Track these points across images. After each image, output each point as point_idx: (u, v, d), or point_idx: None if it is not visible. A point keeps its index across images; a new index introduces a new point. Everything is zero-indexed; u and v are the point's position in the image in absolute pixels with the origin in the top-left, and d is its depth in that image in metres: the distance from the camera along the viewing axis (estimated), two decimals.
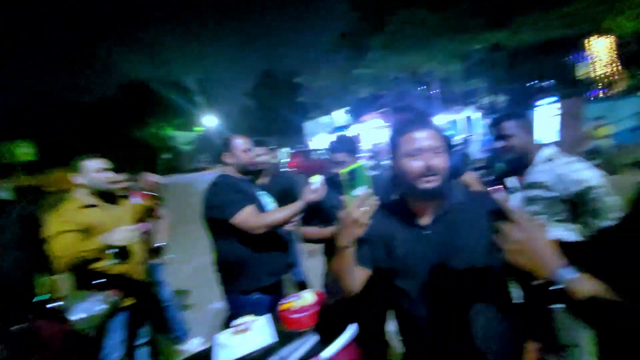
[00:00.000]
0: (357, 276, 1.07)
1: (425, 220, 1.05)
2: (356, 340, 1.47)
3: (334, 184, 2.03)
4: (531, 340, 1.08)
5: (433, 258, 1.02)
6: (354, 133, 19.27)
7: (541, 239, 0.64)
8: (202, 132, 33.69)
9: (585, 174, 1.49)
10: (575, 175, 1.49)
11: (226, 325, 1.57)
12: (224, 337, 1.46)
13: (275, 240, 1.96)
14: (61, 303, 1.37)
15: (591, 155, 7.42)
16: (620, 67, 16.38)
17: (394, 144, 1.06)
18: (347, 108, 19.86)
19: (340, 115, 20.93)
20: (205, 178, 2.80)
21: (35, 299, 1.73)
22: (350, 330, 1.43)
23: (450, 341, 1.02)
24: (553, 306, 1.48)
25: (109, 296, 1.57)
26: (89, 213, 1.83)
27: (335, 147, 1.93)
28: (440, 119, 13.31)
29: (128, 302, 1.92)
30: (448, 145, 1.04)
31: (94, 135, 24.69)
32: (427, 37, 11.75)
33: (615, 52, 15.85)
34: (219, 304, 3.50)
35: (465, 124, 14.49)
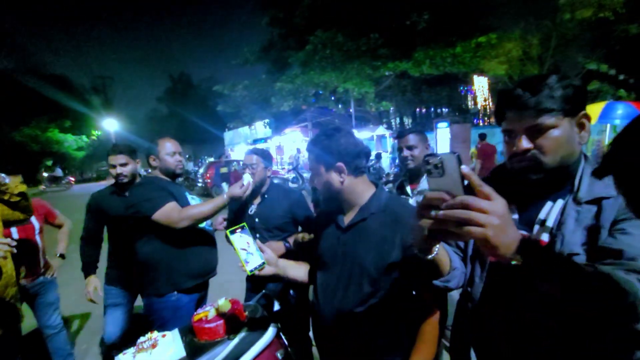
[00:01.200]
0: (303, 269, 1.30)
1: (346, 223, 1.14)
2: (279, 344, 1.41)
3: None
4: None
5: (341, 257, 1.13)
6: (275, 144, 19.33)
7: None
8: (99, 137, 29.47)
9: None
10: None
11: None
12: (124, 358, 1.27)
13: (197, 242, 1.90)
14: None
15: (475, 171, 8.83)
16: (491, 102, 20.35)
17: None
18: (268, 120, 19.82)
19: (260, 127, 20.74)
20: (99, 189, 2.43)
21: None
22: (267, 337, 1.36)
23: (342, 334, 1.10)
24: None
25: None
26: None
27: (251, 151, 2.04)
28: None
29: None
30: (326, 165, 1.12)
31: None
32: (343, 59, 12.65)
33: (489, 90, 19.62)
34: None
35: (378, 141, 15.84)
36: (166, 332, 1.41)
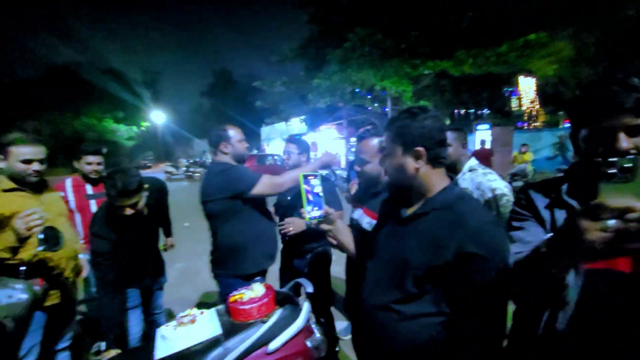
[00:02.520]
0: (353, 240, 1.28)
1: (407, 214, 1.04)
2: (309, 332, 1.49)
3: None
4: None
5: (391, 249, 1.05)
6: (310, 141, 19.53)
7: None
8: (148, 128, 31.56)
9: (498, 184, 1.76)
10: (490, 184, 1.77)
11: None
12: (167, 330, 1.40)
13: (268, 224, 2.07)
14: None
15: (516, 176, 8.42)
16: (539, 105, 19.07)
17: None
18: (304, 117, 20.07)
19: (297, 123, 21.07)
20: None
21: None
22: (298, 323, 1.43)
23: (378, 327, 1.04)
24: None
25: (33, 285, 1.41)
26: (10, 199, 1.65)
27: (289, 139, 2.27)
28: None
29: (51, 301, 1.77)
30: (404, 147, 1.00)
31: (7, 120, 21.45)
32: (382, 57, 12.45)
33: (536, 92, 18.39)
34: None
35: None
36: (204, 310, 1.51)
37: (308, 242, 2.26)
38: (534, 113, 18.98)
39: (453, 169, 1.96)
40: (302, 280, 1.62)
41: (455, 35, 11.79)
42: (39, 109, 23.65)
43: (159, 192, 2.20)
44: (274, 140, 23.46)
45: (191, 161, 21.00)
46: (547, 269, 0.66)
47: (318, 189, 1.18)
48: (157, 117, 27.47)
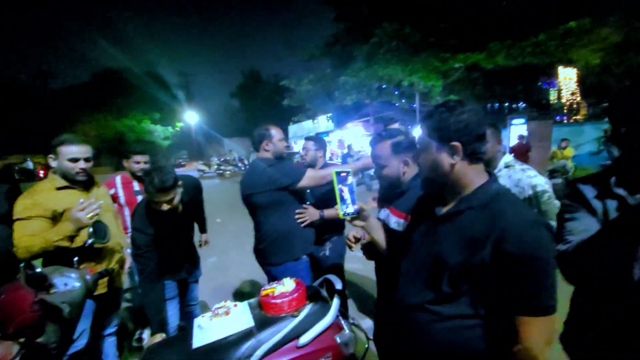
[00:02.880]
0: (384, 237, 1.35)
1: (442, 212, 1.02)
2: (338, 328, 1.51)
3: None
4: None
5: (426, 247, 1.02)
6: (337, 138, 19.57)
7: None
8: (182, 128, 32.99)
9: (538, 180, 1.69)
10: (530, 181, 1.69)
11: None
12: (203, 320, 1.48)
13: None
14: (39, 270, 1.32)
15: (555, 173, 7.95)
16: (580, 96, 17.79)
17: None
18: (331, 114, 20.08)
19: (323, 121, 21.14)
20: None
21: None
22: (328, 319, 1.46)
23: (410, 327, 1.03)
24: None
25: (85, 274, 1.54)
26: (62, 196, 1.80)
27: (307, 137, 2.58)
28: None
29: (99, 290, 1.91)
30: (439, 142, 0.96)
31: (59, 123, 23.20)
32: (410, 51, 12.13)
33: (578, 83, 17.16)
34: None
35: None
36: (237, 303, 1.58)
37: (324, 231, 2.39)
38: (574, 106, 17.73)
39: (488, 167, 1.89)
40: (331, 277, 1.64)
41: (488, 26, 11.22)
42: (86, 112, 25.48)
43: (193, 189, 2.31)
44: (301, 138, 23.69)
45: (222, 160, 21.66)
46: (616, 247, 0.75)
47: (352, 187, 1.21)
48: (190, 117, 28.65)
